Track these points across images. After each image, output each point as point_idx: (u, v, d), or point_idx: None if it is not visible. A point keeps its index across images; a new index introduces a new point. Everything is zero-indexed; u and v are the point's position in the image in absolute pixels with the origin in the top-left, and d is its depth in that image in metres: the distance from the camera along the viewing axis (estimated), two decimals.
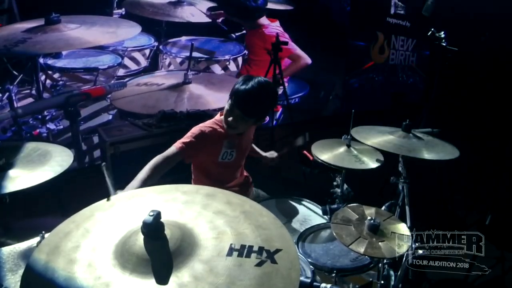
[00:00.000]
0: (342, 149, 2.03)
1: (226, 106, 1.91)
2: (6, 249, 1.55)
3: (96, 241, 0.98)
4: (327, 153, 2.00)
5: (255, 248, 0.92)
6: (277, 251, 0.92)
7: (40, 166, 1.53)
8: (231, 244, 0.94)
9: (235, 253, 0.91)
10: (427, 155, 1.78)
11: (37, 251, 0.96)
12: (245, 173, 2.33)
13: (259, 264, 0.89)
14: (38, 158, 1.59)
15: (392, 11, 4.95)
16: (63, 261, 0.92)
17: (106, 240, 0.98)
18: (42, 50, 2.91)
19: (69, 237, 0.99)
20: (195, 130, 1.94)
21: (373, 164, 1.94)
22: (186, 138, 1.90)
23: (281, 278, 0.86)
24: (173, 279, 0.87)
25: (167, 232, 0.94)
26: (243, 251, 0.92)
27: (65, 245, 0.97)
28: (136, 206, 1.11)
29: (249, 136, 2.19)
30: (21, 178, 1.46)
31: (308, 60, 4.36)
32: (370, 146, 1.90)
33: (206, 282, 0.85)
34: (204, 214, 1.06)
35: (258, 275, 0.86)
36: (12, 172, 1.49)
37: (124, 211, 1.10)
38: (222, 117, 1.96)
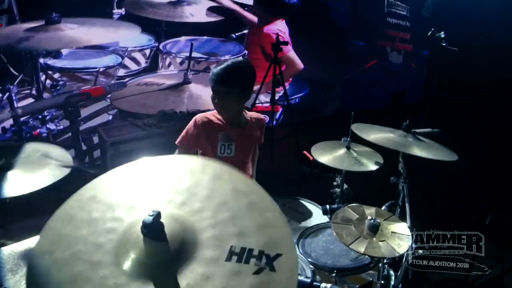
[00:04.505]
0: (342, 151, 2.03)
1: (212, 97, 1.93)
2: (6, 250, 1.55)
3: (96, 240, 0.98)
4: (327, 155, 1.99)
5: (255, 253, 0.92)
6: (277, 256, 0.91)
7: (40, 169, 1.53)
8: (231, 247, 0.93)
9: (234, 258, 0.91)
10: (427, 155, 1.78)
11: (37, 249, 0.96)
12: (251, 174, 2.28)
13: (257, 272, 0.88)
14: (38, 159, 1.59)
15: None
16: (63, 259, 0.92)
17: (106, 240, 0.98)
18: (44, 46, 2.90)
19: (69, 237, 0.99)
20: (192, 121, 2.01)
21: (373, 166, 1.94)
22: (184, 130, 1.99)
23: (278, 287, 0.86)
24: (173, 280, 0.87)
25: (167, 232, 0.94)
26: (243, 255, 0.91)
27: (65, 245, 0.97)
28: (137, 201, 1.09)
29: (250, 132, 2.08)
30: (20, 182, 1.46)
31: (301, 65, 4.29)
32: (369, 148, 1.90)
33: None
34: (207, 205, 1.02)
35: (254, 285, 0.86)
36: (11, 175, 1.49)
37: (124, 210, 1.09)
38: None
